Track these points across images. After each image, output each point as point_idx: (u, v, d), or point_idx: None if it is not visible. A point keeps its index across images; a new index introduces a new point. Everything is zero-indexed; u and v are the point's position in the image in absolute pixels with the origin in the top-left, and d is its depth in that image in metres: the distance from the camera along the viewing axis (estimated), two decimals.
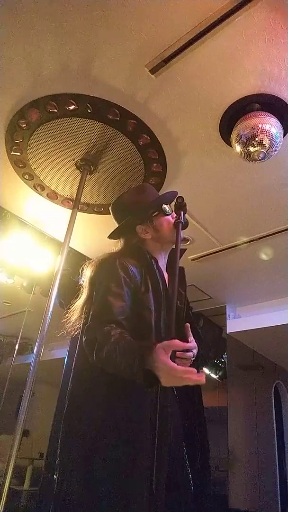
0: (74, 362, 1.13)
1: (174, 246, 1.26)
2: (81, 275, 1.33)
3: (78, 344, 1.12)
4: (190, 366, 1.15)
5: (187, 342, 1.13)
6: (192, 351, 1.11)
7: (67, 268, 2.85)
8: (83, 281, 1.30)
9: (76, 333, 1.22)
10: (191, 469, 1.06)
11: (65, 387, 3.30)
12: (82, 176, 1.92)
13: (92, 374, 1.03)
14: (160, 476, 0.83)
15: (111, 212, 1.44)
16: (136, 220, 1.31)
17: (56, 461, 0.99)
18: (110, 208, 1.45)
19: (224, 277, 3.11)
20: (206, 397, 1.25)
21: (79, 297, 1.31)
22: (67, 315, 1.31)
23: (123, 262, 1.16)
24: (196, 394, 1.21)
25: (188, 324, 1.17)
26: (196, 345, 1.15)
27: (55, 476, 0.97)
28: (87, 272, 1.29)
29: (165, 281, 1.23)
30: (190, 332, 1.17)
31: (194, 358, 1.17)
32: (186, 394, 1.15)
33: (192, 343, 1.14)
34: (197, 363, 1.24)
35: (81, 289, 1.30)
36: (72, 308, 1.31)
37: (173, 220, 1.31)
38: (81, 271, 1.34)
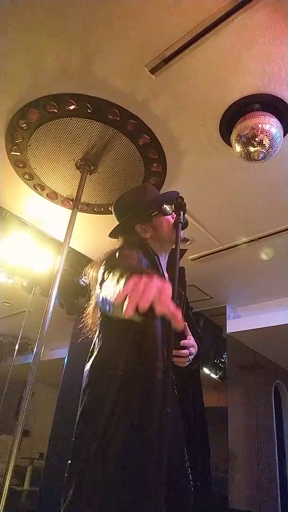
0: (94, 352, 1.14)
1: (174, 246, 1.26)
2: (85, 277, 1.33)
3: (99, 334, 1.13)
4: (190, 364, 1.15)
5: (186, 340, 1.13)
6: (188, 349, 1.11)
7: (67, 268, 2.86)
8: (83, 282, 1.30)
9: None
10: (192, 470, 1.06)
11: (65, 387, 3.31)
12: (82, 176, 1.92)
13: (110, 367, 1.05)
14: (160, 475, 0.83)
15: (112, 212, 1.45)
16: (136, 219, 1.31)
17: (71, 447, 0.99)
18: (111, 207, 1.45)
19: (224, 277, 3.11)
20: (206, 397, 1.25)
21: (90, 300, 1.31)
22: (82, 320, 1.31)
23: (133, 249, 1.18)
24: (197, 395, 1.21)
25: (185, 323, 1.17)
26: (194, 344, 1.15)
27: (69, 461, 0.98)
28: (92, 273, 1.29)
29: (165, 279, 1.23)
30: (189, 331, 1.17)
31: (194, 358, 1.17)
32: (187, 394, 1.15)
33: (190, 341, 1.14)
34: (198, 363, 1.24)
35: (90, 292, 1.30)
36: (86, 312, 1.31)
37: (173, 220, 1.31)
38: (84, 273, 1.34)
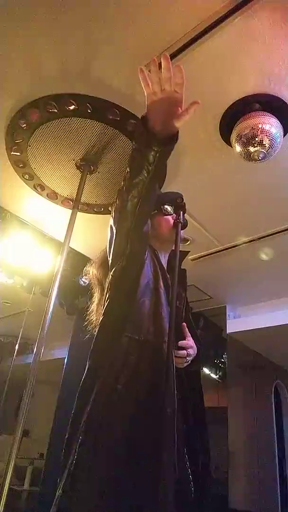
0: (94, 339, 1.13)
1: (174, 247, 1.26)
2: (85, 276, 1.35)
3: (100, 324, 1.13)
4: (188, 366, 1.14)
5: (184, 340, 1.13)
6: (187, 350, 1.11)
7: (67, 268, 2.86)
8: (84, 282, 1.32)
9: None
10: (192, 472, 1.04)
11: (65, 387, 3.31)
12: (82, 176, 1.92)
13: (116, 329, 1.05)
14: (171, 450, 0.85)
15: None
16: None
17: (70, 419, 0.99)
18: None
19: (224, 277, 3.11)
20: (206, 397, 1.24)
21: (93, 298, 1.32)
22: (87, 317, 1.33)
23: None
24: (197, 397, 1.20)
25: (184, 324, 1.17)
26: (193, 346, 1.15)
27: (67, 435, 0.97)
28: (92, 271, 1.30)
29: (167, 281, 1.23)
30: (188, 332, 1.17)
31: (193, 360, 1.16)
32: (186, 395, 1.14)
33: (189, 342, 1.13)
34: (198, 366, 1.23)
35: (92, 290, 1.32)
36: (90, 309, 1.32)
37: (172, 221, 1.31)
38: (84, 272, 1.35)
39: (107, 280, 1.19)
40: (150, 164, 0.98)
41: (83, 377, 1.04)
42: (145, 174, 1.00)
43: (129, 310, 1.08)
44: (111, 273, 1.16)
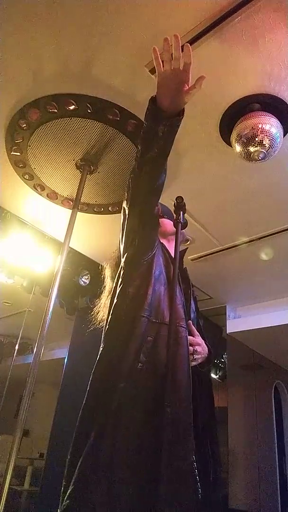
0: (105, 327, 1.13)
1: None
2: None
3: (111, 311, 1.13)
4: (199, 366, 1.14)
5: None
6: (193, 347, 1.11)
7: (67, 268, 2.86)
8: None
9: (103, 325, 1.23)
10: (199, 471, 0.95)
11: (65, 387, 3.31)
12: (82, 176, 1.92)
13: (134, 307, 1.06)
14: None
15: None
16: None
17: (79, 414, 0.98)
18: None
19: (224, 277, 3.11)
20: None
21: (102, 294, 1.35)
22: (92, 313, 1.35)
23: None
24: (208, 398, 1.18)
25: (190, 321, 1.17)
26: (200, 343, 1.14)
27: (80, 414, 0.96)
28: (107, 272, 1.36)
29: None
30: (195, 330, 1.16)
31: (205, 361, 1.16)
32: (195, 396, 1.09)
33: (196, 339, 1.13)
34: (208, 366, 1.21)
35: (103, 287, 1.36)
36: (98, 305, 1.35)
37: (172, 222, 1.35)
38: (100, 269, 1.41)
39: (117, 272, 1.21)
40: (159, 138, 1.04)
41: (97, 360, 1.03)
42: (155, 150, 1.07)
43: (144, 293, 1.08)
44: (124, 259, 1.18)
